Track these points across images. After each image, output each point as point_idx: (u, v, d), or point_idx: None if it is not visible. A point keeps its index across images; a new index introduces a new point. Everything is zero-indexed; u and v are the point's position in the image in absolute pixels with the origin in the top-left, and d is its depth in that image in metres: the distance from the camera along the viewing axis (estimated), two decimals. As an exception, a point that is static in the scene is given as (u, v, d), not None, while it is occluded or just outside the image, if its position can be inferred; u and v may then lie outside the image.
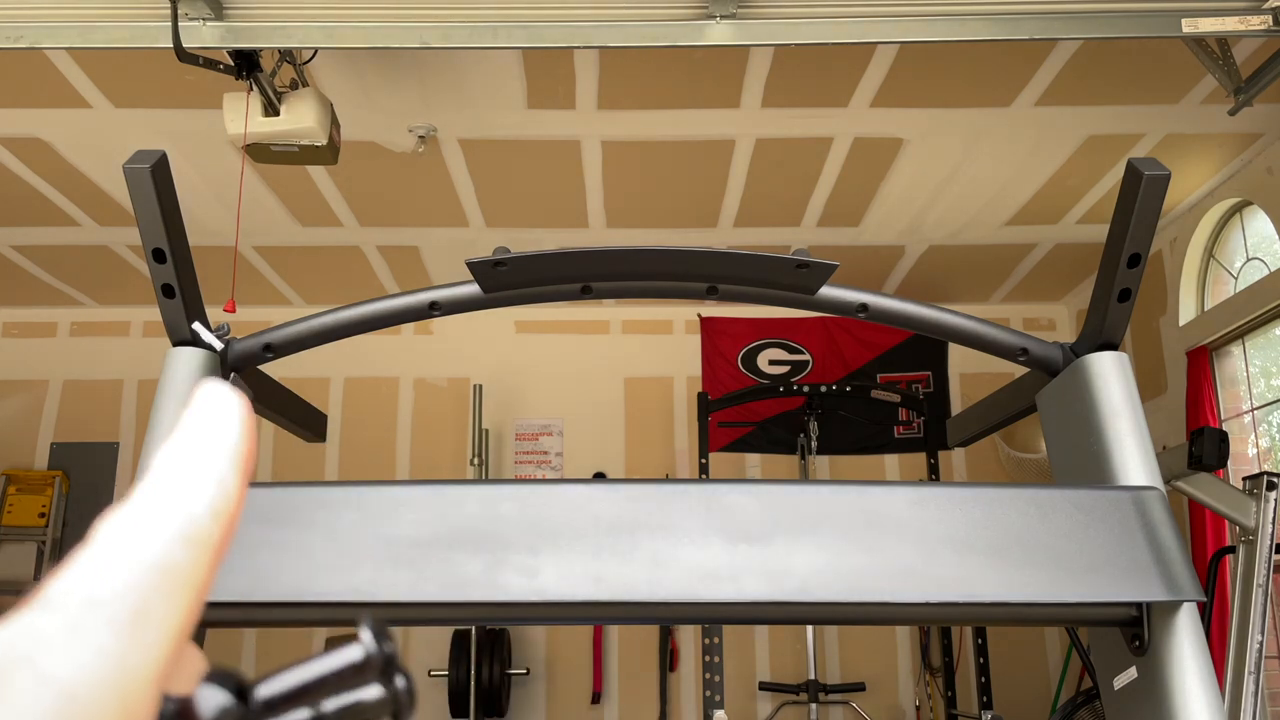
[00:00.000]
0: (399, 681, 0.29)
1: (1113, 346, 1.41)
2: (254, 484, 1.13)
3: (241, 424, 0.32)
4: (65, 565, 0.27)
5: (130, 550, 0.28)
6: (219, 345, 1.38)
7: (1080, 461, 1.37)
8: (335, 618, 1.15)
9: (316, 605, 1.09)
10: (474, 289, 1.45)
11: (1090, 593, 1.10)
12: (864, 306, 1.52)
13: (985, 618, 1.21)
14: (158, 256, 1.34)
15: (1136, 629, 1.18)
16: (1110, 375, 1.38)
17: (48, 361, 6.95)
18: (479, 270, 1.41)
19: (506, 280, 1.43)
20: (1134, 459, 1.30)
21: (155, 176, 1.30)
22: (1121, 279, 1.35)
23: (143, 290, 6.59)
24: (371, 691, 0.29)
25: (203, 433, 0.31)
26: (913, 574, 1.09)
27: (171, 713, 0.27)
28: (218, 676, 0.28)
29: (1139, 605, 1.17)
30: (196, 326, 1.36)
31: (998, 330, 1.54)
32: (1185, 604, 1.15)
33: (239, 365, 1.43)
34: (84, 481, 6.78)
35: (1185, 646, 1.14)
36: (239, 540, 1.08)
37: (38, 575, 6.59)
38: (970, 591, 1.09)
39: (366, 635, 0.29)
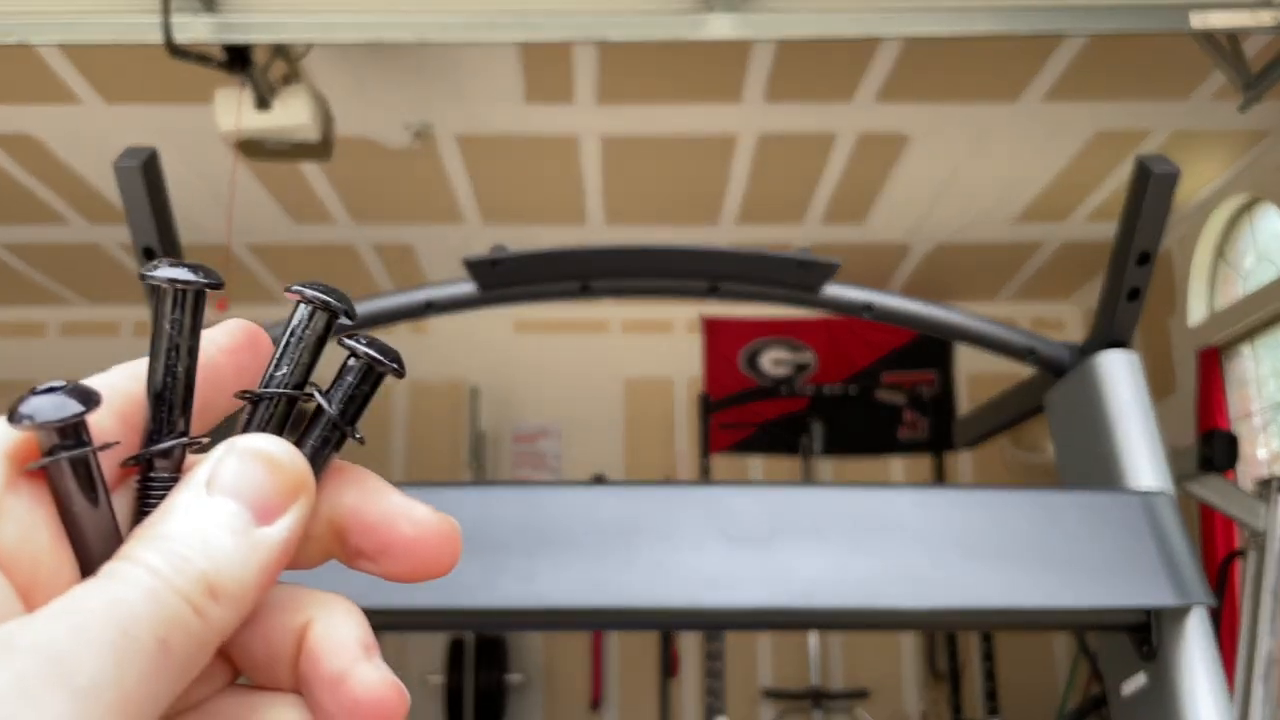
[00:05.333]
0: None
1: (1122, 345, 1.40)
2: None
3: None
4: None
5: None
6: None
7: (1089, 463, 1.36)
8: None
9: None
10: (471, 288, 1.45)
11: (1098, 598, 1.11)
12: (869, 306, 1.50)
13: (992, 623, 1.20)
14: (148, 255, 1.35)
15: (1145, 634, 1.19)
16: (1120, 375, 1.37)
17: (38, 362, 6.91)
18: (476, 269, 1.41)
19: (504, 279, 1.43)
20: (1144, 460, 1.30)
21: (146, 174, 1.31)
22: (1131, 277, 1.34)
23: (133, 289, 6.56)
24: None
25: None
26: (918, 579, 1.10)
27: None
28: None
29: (1148, 610, 1.18)
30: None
31: (1005, 330, 1.52)
32: (1195, 609, 1.16)
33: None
34: (79, 484, 6.81)
35: (1195, 652, 1.16)
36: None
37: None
38: (977, 597, 1.09)
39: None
